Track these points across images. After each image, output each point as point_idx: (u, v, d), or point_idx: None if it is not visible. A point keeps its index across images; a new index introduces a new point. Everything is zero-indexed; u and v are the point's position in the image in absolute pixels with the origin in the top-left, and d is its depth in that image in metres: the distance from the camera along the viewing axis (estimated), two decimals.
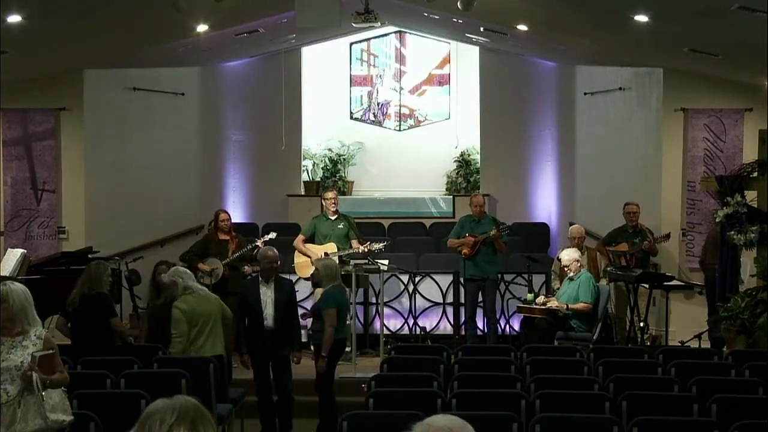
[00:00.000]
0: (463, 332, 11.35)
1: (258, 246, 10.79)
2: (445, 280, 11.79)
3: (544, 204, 14.66)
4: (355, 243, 10.85)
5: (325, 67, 15.90)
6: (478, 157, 15.27)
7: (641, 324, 10.88)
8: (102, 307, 8.18)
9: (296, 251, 11.10)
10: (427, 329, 11.50)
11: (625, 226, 11.57)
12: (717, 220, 11.17)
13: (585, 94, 13.66)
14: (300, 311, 9.23)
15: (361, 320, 11.59)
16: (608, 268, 11.11)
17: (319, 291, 9.32)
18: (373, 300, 11.55)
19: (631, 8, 9.31)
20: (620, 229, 11.62)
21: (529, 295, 11.04)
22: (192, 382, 7.03)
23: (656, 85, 12.42)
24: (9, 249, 10.53)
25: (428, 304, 11.87)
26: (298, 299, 9.39)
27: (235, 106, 14.89)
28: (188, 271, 8.44)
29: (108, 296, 8.31)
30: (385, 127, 16.20)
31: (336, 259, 10.75)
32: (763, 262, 10.60)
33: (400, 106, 16.21)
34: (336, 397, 8.67)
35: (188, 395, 6.61)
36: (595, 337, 10.32)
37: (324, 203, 11.32)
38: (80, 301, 8.18)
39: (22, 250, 10.13)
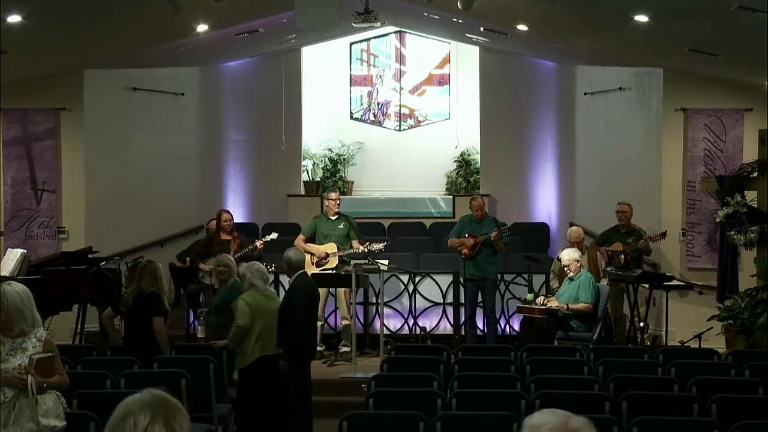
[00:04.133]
0: (463, 332, 11.35)
1: (257, 246, 10.79)
2: (445, 280, 11.78)
3: (544, 204, 14.65)
4: (355, 243, 10.85)
5: (325, 67, 15.89)
6: (478, 157, 15.26)
7: (641, 324, 10.87)
8: (149, 305, 8.12)
9: None
10: (427, 329, 11.49)
11: (617, 226, 11.55)
12: (717, 220, 11.20)
13: (585, 94, 13.66)
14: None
15: (361, 320, 11.59)
16: (608, 268, 11.10)
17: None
18: (373, 300, 11.55)
19: (631, 8, 9.30)
20: (613, 229, 11.59)
21: (529, 295, 11.03)
22: (192, 382, 7.03)
23: (656, 85, 12.40)
24: (9, 249, 10.51)
25: (428, 304, 11.87)
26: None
27: (235, 106, 14.88)
28: (263, 269, 8.18)
29: (158, 295, 8.17)
30: (385, 127, 16.20)
31: (336, 259, 10.79)
32: (763, 262, 10.62)
33: (400, 106, 16.21)
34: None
35: (188, 395, 6.55)
36: (595, 337, 10.32)
37: (326, 204, 11.30)
38: (133, 300, 8.16)
39: (22, 250, 10.11)
